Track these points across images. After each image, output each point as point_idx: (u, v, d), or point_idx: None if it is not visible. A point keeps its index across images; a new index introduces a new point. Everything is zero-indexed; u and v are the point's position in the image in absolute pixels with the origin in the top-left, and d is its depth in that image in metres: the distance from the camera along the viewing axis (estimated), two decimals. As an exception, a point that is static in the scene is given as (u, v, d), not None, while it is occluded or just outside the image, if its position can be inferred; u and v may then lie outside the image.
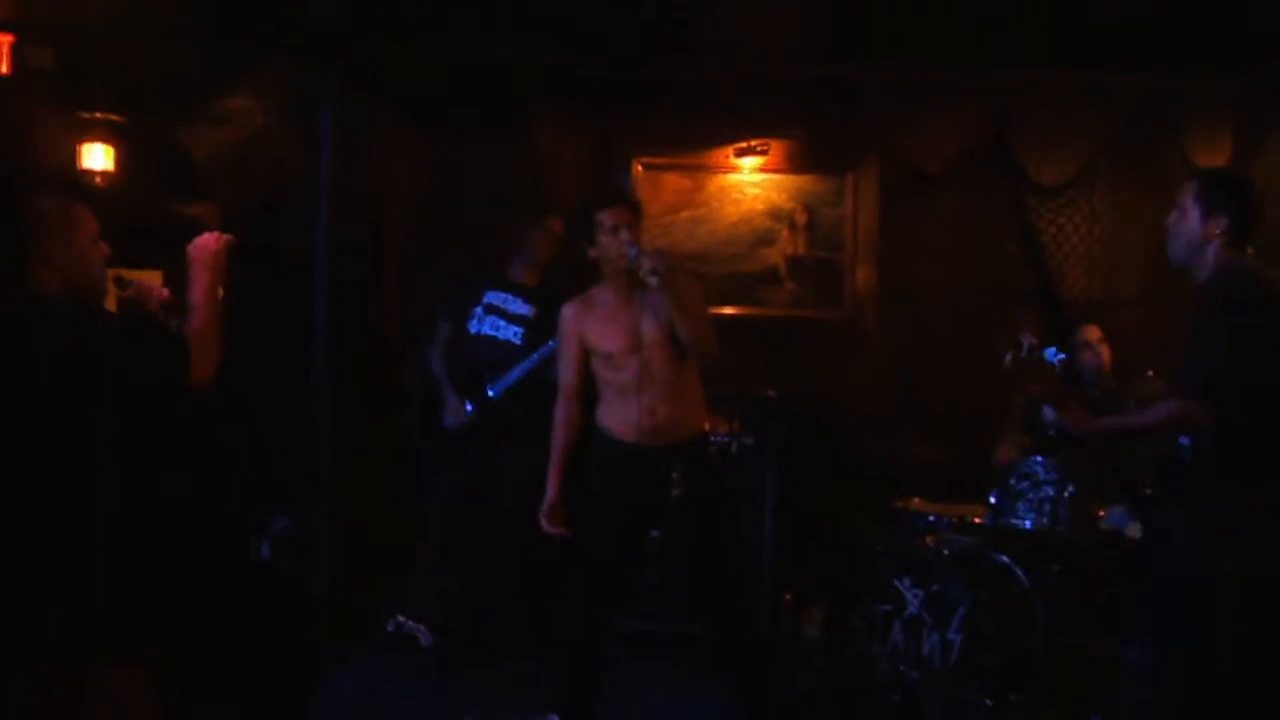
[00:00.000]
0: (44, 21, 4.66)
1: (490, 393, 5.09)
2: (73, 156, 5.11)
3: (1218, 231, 3.25)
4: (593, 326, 4.06)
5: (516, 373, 5.04)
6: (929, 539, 4.70)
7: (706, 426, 4.27)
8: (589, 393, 4.16)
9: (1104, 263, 6.05)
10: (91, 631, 2.52)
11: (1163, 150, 5.99)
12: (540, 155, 6.00)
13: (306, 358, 4.75)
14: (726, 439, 5.36)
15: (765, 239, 6.06)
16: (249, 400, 4.55)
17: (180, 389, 2.73)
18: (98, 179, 5.15)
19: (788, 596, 5.48)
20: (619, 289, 4.03)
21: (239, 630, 4.32)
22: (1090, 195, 6.04)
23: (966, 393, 5.86)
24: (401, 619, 5.33)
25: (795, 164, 6.06)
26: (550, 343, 4.73)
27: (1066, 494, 4.38)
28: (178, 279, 3.08)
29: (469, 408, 5.14)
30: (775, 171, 6.05)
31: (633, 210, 4.04)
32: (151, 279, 3.04)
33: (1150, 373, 4.42)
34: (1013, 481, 4.53)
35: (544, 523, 4.07)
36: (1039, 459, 4.51)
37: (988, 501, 4.65)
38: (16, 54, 4.59)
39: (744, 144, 5.99)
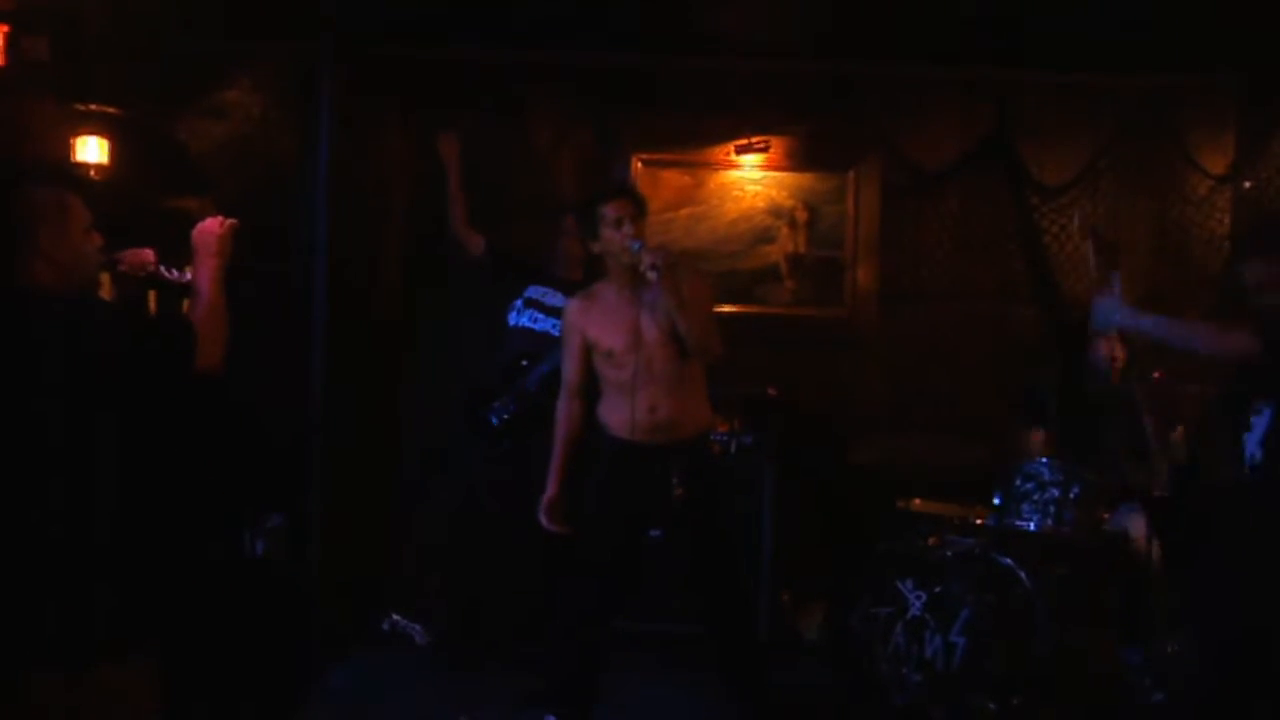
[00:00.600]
0: (40, 12, 4.62)
1: (530, 380, 5.09)
2: (68, 149, 5.06)
3: None
4: (595, 322, 4.04)
5: (550, 361, 4.98)
6: (932, 540, 4.68)
7: (710, 426, 4.23)
8: (592, 389, 4.13)
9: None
10: (90, 630, 2.49)
11: (1165, 150, 5.97)
12: (540, 151, 5.96)
13: (302, 353, 4.70)
14: (726, 437, 5.33)
15: (765, 236, 6.03)
16: (243, 395, 4.51)
17: (183, 379, 2.70)
18: (92, 172, 5.10)
19: (786, 597, 5.46)
20: (622, 285, 4.00)
21: (233, 627, 4.29)
22: (1092, 195, 6.02)
23: (967, 391, 5.85)
24: (396, 617, 5.30)
25: (796, 161, 6.02)
26: None
27: (1072, 495, 4.36)
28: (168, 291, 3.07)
29: (495, 416, 5.16)
30: (776, 169, 6.02)
31: (635, 204, 4.01)
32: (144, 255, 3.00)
33: (1158, 374, 4.40)
34: (1018, 483, 4.51)
35: (543, 519, 4.04)
36: (1044, 460, 4.48)
37: (990, 502, 4.63)
38: (12, 45, 4.54)
39: (744, 141, 5.96)
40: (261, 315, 4.43)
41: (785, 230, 6.03)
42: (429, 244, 5.89)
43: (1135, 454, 4.53)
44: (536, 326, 5.20)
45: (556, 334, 5.07)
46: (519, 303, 5.26)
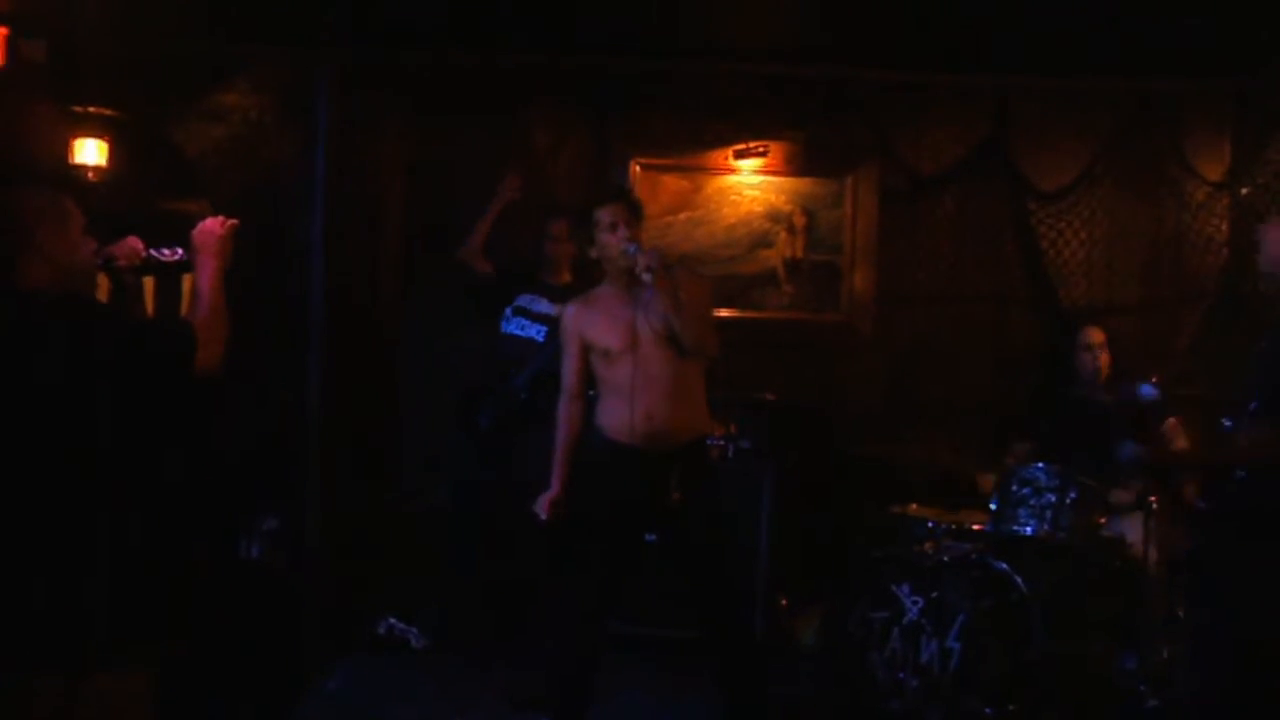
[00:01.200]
0: (38, 15, 4.62)
1: (518, 384, 5.16)
2: (65, 151, 5.07)
3: None
4: (592, 324, 4.05)
5: (535, 365, 5.09)
6: (928, 545, 4.67)
7: (708, 430, 4.23)
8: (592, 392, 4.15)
9: (1103, 267, 6.03)
10: (86, 634, 2.48)
11: (1162, 155, 5.98)
12: (538, 155, 5.96)
13: (299, 355, 4.70)
14: (724, 442, 5.32)
15: (763, 241, 6.04)
16: (240, 397, 4.51)
17: (181, 380, 2.70)
18: (90, 174, 5.12)
19: (783, 601, 5.45)
20: (619, 287, 4.01)
21: (229, 630, 4.29)
22: (1089, 199, 6.02)
23: (965, 396, 5.85)
24: (393, 620, 5.29)
25: (794, 166, 6.03)
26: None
27: (1068, 501, 4.36)
28: (168, 276, 3.07)
29: (485, 417, 5.23)
30: (774, 173, 6.03)
31: (631, 208, 4.02)
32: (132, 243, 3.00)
33: (1155, 378, 4.40)
34: (1014, 488, 4.51)
35: (540, 510, 4.05)
36: (1040, 465, 4.48)
37: (987, 507, 4.63)
38: (10, 48, 4.54)
39: (743, 146, 5.98)
40: (258, 317, 4.44)
41: (783, 235, 6.04)
42: (426, 247, 5.90)
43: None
44: (523, 333, 5.25)
45: (542, 340, 5.14)
46: (509, 310, 5.33)
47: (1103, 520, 4.45)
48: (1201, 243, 6.00)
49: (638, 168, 6.02)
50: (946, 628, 4.31)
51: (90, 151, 5.14)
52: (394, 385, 5.96)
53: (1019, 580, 4.36)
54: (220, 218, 2.92)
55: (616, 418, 3.99)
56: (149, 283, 5.40)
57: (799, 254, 6.03)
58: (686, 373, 4.00)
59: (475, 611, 5.33)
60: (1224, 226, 5.95)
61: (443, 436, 5.66)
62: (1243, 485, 3.37)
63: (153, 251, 2.98)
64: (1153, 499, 4.31)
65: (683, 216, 6.03)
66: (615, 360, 3.97)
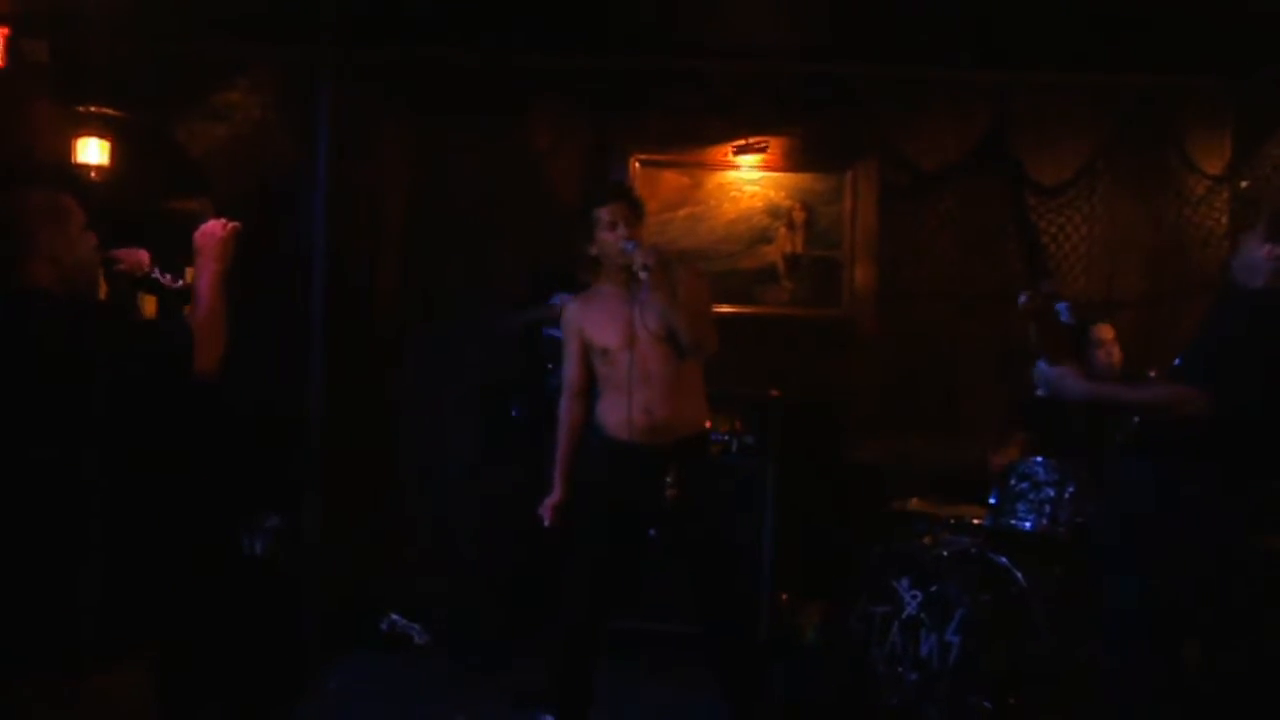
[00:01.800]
0: (40, 15, 4.64)
1: (553, 385, 5.09)
2: (68, 150, 5.09)
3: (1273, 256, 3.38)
4: (591, 321, 4.06)
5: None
6: (928, 540, 4.68)
7: (707, 425, 4.25)
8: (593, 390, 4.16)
9: (1103, 262, 6.04)
10: (86, 633, 2.50)
11: (1162, 150, 5.99)
12: (538, 151, 5.97)
13: (301, 353, 4.72)
14: (725, 438, 5.34)
15: (763, 237, 6.04)
16: (242, 396, 4.53)
17: (181, 382, 2.71)
18: (93, 173, 5.14)
19: (785, 597, 5.47)
20: (619, 285, 4.02)
21: (232, 627, 4.31)
22: (1090, 195, 6.03)
23: (965, 391, 5.86)
24: (395, 617, 5.31)
25: (794, 162, 6.03)
26: None
27: (1067, 495, 4.36)
28: (165, 299, 3.08)
29: (516, 409, 5.31)
30: (774, 169, 6.03)
31: (630, 206, 4.03)
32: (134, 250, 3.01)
33: (1153, 372, 4.40)
34: (1012, 482, 4.52)
35: (544, 514, 4.07)
36: (1039, 460, 4.49)
37: (987, 502, 4.64)
38: (12, 47, 4.56)
39: (742, 141, 5.98)
40: (260, 316, 4.46)
41: (783, 230, 6.04)
42: (426, 246, 5.92)
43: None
44: (557, 334, 5.22)
45: None
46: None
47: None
48: (1202, 236, 6.01)
49: (637, 164, 6.03)
50: (946, 622, 4.32)
51: (93, 151, 5.16)
52: (394, 384, 5.97)
53: (1018, 575, 4.37)
54: (222, 220, 2.92)
55: (615, 414, 4.00)
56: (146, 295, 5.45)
57: (799, 250, 6.04)
58: (685, 369, 4.01)
59: (481, 609, 5.35)
60: (1224, 220, 5.97)
61: (446, 435, 5.68)
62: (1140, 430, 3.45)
63: (156, 271, 2.99)
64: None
65: (683, 213, 6.04)
66: (614, 358, 3.98)
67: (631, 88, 5.98)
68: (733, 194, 6.04)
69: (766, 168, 6.03)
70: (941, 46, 5.61)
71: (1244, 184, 5.81)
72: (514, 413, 5.27)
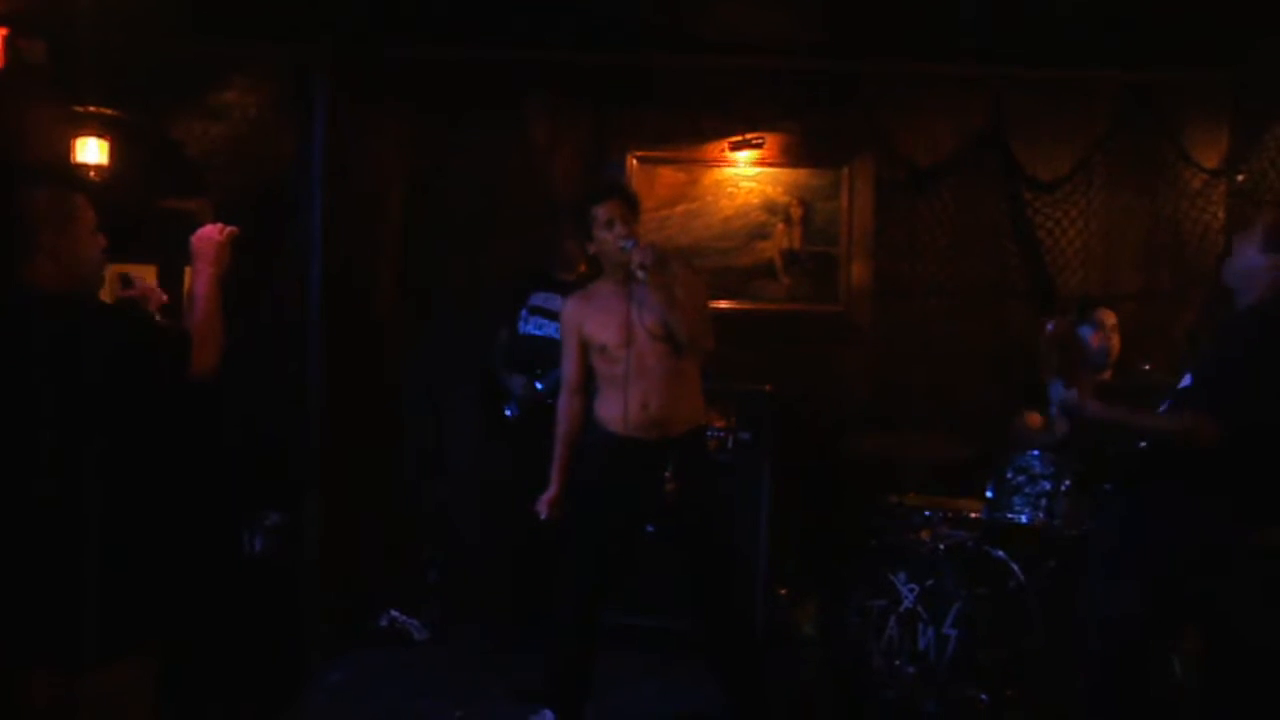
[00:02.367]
0: (37, 15, 4.65)
1: (539, 386, 5.20)
2: (67, 150, 5.10)
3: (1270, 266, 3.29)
4: (590, 319, 4.08)
5: (559, 370, 5.06)
6: (924, 534, 4.70)
7: (704, 421, 4.27)
8: (592, 387, 4.18)
9: (1100, 257, 6.05)
10: (88, 630, 2.51)
11: (1158, 145, 5.99)
12: (535, 148, 5.99)
13: (300, 351, 4.74)
14: (722, 433, 5.35)
15: (760, 233, 6.05)
16: (242, 394, 4.54)
17: (179, 382, 2.73)
18: (91, 173, 5.15)
19: (783, 592, 5.49)
20: (616, 282, 4.04)
21: (233, 625, 4.32)
22: (1086, 190, 6.03)
23: (961, 386, 5.87)
24: (395, 613, 5.33)
25: (791, 158, 6.04)
26: None
27: (1063, 488, 4.38)
28: (171, 274, 3.10)
29: (519, 381, 5.26)
30: (770, 165, 6.04)
31: (627, 204, 4.04)
32: (149, 279, 3.05)
33: (1147, 366, 4.42)
34: (1009, 475, 4.54)
35: (541, 509, 4.09)
36: (1035, 453, 4.50)
37: (984, 496, 4.65)
38: (10, 48, 4.57)
39: (739, 138, 5.98)
40: (258, 314, 4.48)
41: (780, 226, 6.05)
42: (425, 242, 5.94)
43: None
44: (542, 333, 5.27)
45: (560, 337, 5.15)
46: (524, 311, 5.36)
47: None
48: (1199, 230, 6.02)
49: (635, 161, 6.04)
50: (943, 615, 4.35)
51: (92, 151, 5.17)
52: (393, 381, 5.99)
53: (1015, 568, 4.39)
54: (219, 225, 2.95)
55: (613, 409, 4.02)
56: (150, 279, 5.46)
57: (796, 245, 6.05)
58: (682, 366, 4.03)
59: (481, 604, 5.37)
60: (1220, 214, 5.97)
61: (442, 433, 5.70)
62: (1139, 456, 3.42)
63: (161, 315, 3.04)
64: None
65: (680, 209, 6.05)
66: (612, 355, 4.00)
67: (629, 84, 5.99)
68: (730, 190, 6.05)
69: (763, 164, 6.03)
70: (937, 42, 5.61)
71: (1240, 178, 5.82)
72: (508, 413, 5.27)
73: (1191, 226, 6.03)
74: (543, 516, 4.11)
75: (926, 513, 4.81)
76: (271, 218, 5.25)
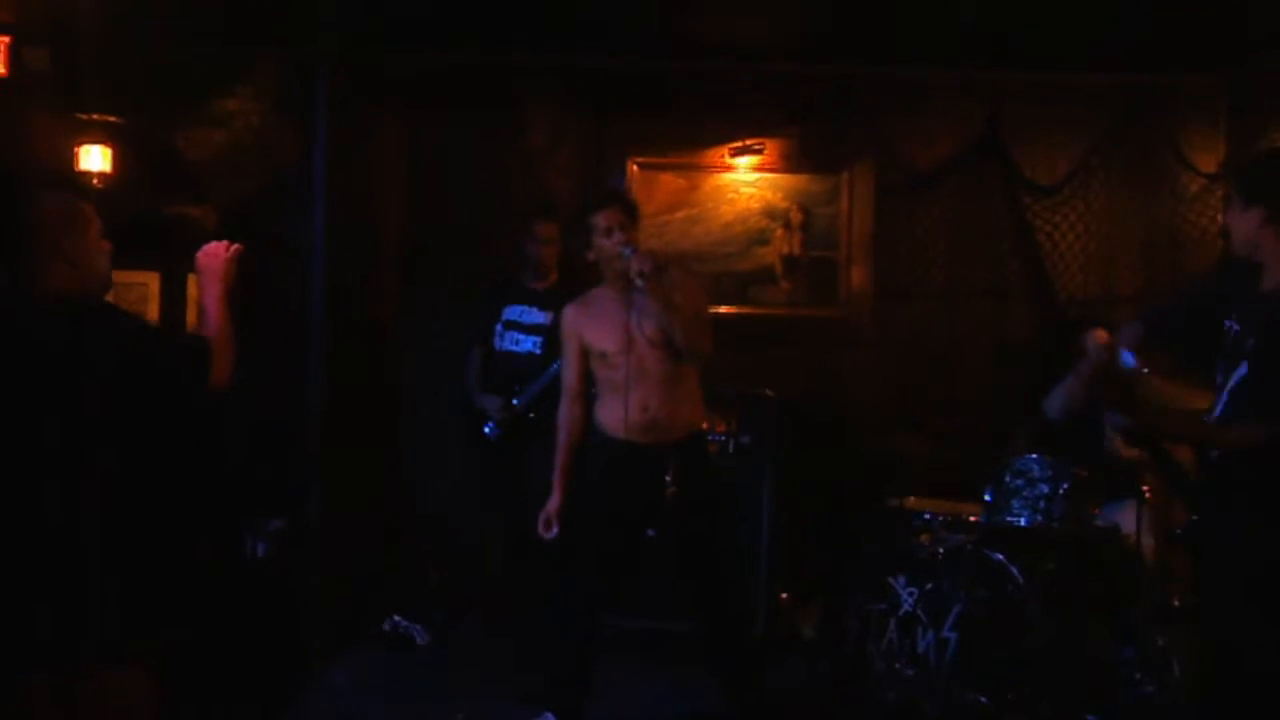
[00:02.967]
0: (41, 24, 4.68)
1: (515, 402, 5.14)
2: (71, 158, 5.13)
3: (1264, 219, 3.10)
4: (590, 325, 4.11)
5: (537, 385, 5.07)
6: (924, 537, 4.72)
7: (704, 425, 4.29)
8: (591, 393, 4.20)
9: (1099, 260, 6.06)
10: (89, 634, 2.53)
11: (1157, 148, 6.01)
12: (536, 155, 6.01)
13: (302, 357, 4.76)
14: (723, 438, 5.37)
15: (760, 238, 6.07)
16: (244, 399, 4.56)
17: (200, 389, 2.77)
18: (95, 180, 5.18)
19: (784, 595, 5.50)
20: (616, 289, 4.06)
21: (235, 629, 4.34)
22: (1085, 193, 6.05)
23: (962, 390, 5.89)
24: (398, 618, 5.34)
25: (790, 163, 6.06)
26: None
27: (1061, 491, 4.39)
28: (174, 280, 3.13)
29: (493, 403, 5.18)
30: (770, 171, 6.06)
31: (626, 211, 4.07)
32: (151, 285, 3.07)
33: (1145, 369, 4.44)
34: (1008, 479, 4.55)
35: (541, 525, 4.11)
36: (1034, 456, 4.52)
37: (983, 499, 4.67)
38: (14, 56, 4.60)
39: (739, 143, 6.01)
40: (260, 319, 4.49)
41: (780, 232, 6.07)
42: (426, 247, 5.96)
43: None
44: (520, 349, 5.22)
45: (540, 352, 5.13)
46: (499, 327, 5.28)
47: (1096, 510, 4.48)
48: (1196, 234, 6.03)
49: (635, 167, 6.07)
50: (943, 618, 4.35)
51: (95, 158, 5.20)
52: (394, 384, 6.01)
53: (1014, 570, 4.40)
54: (225, 242, 2.98)
55: (613, 415, 4.05)
56: (154, 288, 5.50)
57: (796, 250, 6.07)
58: (682, 371, 4.05)
59: (483, 608, 5.38)
60: (1218, 217, 5.96)
61: (443, 435, 5.71)
62: (1219, 462, 3.36)
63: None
64: (1145, 487, 4.34)
65: (680, 215, 6.07)
66: (612, 361, 4.03)
67: (629, 90, 6.01)
68: (730, 196, 6.07)
69: (763, 169, 6.05)
70: (937, 48, 5.63)
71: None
72: (486, 431, 5.22)
73: (1189, 229, 6.05)
74: (547, 533, 4.12)
75: (926, 516, 4.82)
76: (273, 222, 5.27)
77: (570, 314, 4.20)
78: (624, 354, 3.98)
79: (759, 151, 6.02)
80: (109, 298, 3.00)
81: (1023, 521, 4.46)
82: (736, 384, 5.35)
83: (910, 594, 4.47)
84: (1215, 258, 5.93)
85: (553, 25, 5.48)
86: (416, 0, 5.27)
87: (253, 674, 4.36)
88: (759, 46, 5.74)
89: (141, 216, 5.07)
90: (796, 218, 6.06)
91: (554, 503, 4.13)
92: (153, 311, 5.40)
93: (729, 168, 6.06)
